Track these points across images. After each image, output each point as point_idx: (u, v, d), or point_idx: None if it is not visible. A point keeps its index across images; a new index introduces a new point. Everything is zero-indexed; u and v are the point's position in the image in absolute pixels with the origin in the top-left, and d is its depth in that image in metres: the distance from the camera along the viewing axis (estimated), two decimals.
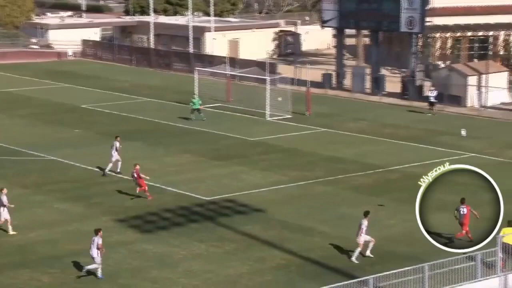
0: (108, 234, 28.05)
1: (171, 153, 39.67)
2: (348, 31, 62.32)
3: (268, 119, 47.68)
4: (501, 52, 65.40)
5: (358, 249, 25.26)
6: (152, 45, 76.27)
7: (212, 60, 64.11)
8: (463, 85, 50.93)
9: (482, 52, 64.28)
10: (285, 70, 60.18)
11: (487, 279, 18.95)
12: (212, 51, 71.74)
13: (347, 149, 40.03)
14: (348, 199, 31.91)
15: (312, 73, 55.15)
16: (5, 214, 27.61)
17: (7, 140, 42.39)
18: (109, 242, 27.31)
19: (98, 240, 24.06)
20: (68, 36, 78.85)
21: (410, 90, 53.47)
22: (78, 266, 25.00)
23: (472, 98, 50.92)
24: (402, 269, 19.12)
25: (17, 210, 28.62)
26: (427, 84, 53.92)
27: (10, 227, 27.76)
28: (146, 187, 31.78)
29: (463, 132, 30.93)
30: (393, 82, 56.56)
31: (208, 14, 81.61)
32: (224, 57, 61.19)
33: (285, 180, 34.60)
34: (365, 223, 25.32)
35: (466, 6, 65.17)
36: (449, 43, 65.68)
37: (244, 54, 69.89)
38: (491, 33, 64.78)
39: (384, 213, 30.06)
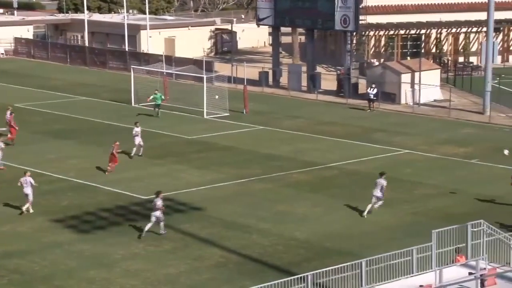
0: (44, 235, 27.69)
1: (108, 152, 39.21)
2: (284, 29, 62.66)
3: (206, 117, 47.62)
4: (433, 50, 66.77)
5: (381, 202, 29.03)
6: (86, 43, 75.30)
7: (148, 58, 63.67)
8: (397, 82, 51.78)
9: (415, 50, 65.52)
10: (222, 68, 60.20)
11: (422, 274, 19.30)
12: (148, 49, 71.25)
13: (284, 147, 40.29)
14: (286, 196, 32.12)
15: (249, 71, 55.30)
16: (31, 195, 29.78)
17: None
18: (45, 242, 26.97)
19: (159, 202, 27.07)
20: None
21: (346, 87, 54.09)
22: (10, 267, 24.56)
23: (405, 95, 51.81)
24: (340, 265, 19.35)
25: None
26: (362, 81, 54.62)
27: (30, 207, 29.81)
28: (117, 163, 34.55)
29: (506, 152, 30.71)
30: (329, 80, 57.15)
31: (143, 12, 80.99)
32: (160, 55, 60.85)
33: (223, 178, 34.62)
34: (383, 182, 29.16)
35: (398, 4, 66.30)
36: (383, 41, 66.73)
37: (181, 52, 69.61)
38: (423, 31, 66.05)
39: (322, 210, 30.38)
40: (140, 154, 37.82)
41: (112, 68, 67.74)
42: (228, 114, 48.07)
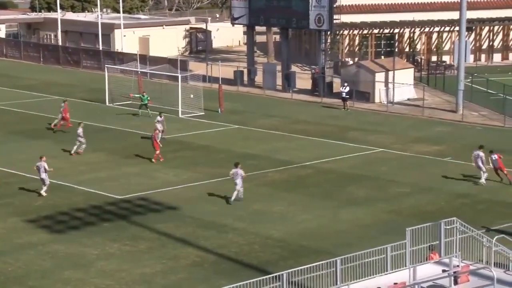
0: (17, 235, 27.51)
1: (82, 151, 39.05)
2: (258, 28, 62.67)
3: (181, 116, 47.53)
4: (407, 49, 67.20)
5: (486, 174, 32.70)
6: (59, 42, 74.82)
7: (123, 57, 63.42)
8: (371, 81, 52.05)
9: (388, 49, 65.90)
10: (197, 67, 60.08)
11: (396, 271, 19.42)
12: (122, 48, 70.97)
13: (260, 146, 40.34)
14: (262, 195, 32.16)
15: (224, 70, 55.28)
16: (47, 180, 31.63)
17: None
18: (19, 243, 26.79)
19: (241, 172, 30.45)
20: None
21: (320, 86, 54.24)
22: None
23: (380, 94, 52.09)
24: (315, 264, 19.42)
25: None
26: (336, 80, 54.82)
27: (45, 190, 31.64)
28: (158, 150, 36.61)
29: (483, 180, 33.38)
30: (303, 79, 57.31)
31: (117, 11, 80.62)
32: (135, 54, 60.66)
33: (198, 177, 34.59)
34: (481, 154, 32.59)
35: (372, 3, 66.67)
36: (357, 40, 67.04)
37: (155, 51, 69.40)
38: (396, 30, 66.47)
39: (297, 208, 30.47)
40: (163, 137, 39.78)
41: (86, 68, 67.39)
42: (203, 113, 48.02)
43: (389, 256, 20.00)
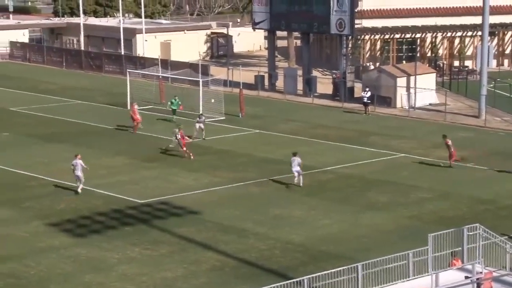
0: (39, 239, 27.64)
1: (102, 155, 39.23)
2: (279, 33, 62.63)
3: None
4: (429, 54, 66.88)
5: None
6: (82, 47, 75.28)
7: (144, 62, 63.66)
8: (393, 86, 51.84)
9: (410, 54, 65.63)
10: (218, 72, 60.19)
11: (419, 277, 19.31)
12: (143, 53, 71.26)
13: (280, 150, 40.25)
14: (283, 200, 32.11)
15: (245, 75, 55.29)
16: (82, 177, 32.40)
17: None
18: (41, 247, 26.92)
19: (298, 159, 33.03)
20: None
21: (341, 91, 54.11)
22: (5, 271, 24.49)
23: (401, 99, 51.87)
24: (336, 269, 19.33)
25: None
26: (358, 85, 54.67)
27: (80, 187, 32.44)
28: (184, 147, 37.55)
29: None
30: (324, 84, 57.19)
31: (139, 16, 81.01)
32: (156, 59, 60.85)
33: (219, 181, 34.60)
34: None
35: (393, 8, 66.46)
36: (378, 45, 66.83)
37: (176, 56, 69.62)
38: (418, 35, 66.19)
39: (318, 213, 30.38)
40: (203, 137, 42.19)
41: (108, 72, 67.70)
42: (224, 117, 48.05)
43: (411, 262, 19.87)
